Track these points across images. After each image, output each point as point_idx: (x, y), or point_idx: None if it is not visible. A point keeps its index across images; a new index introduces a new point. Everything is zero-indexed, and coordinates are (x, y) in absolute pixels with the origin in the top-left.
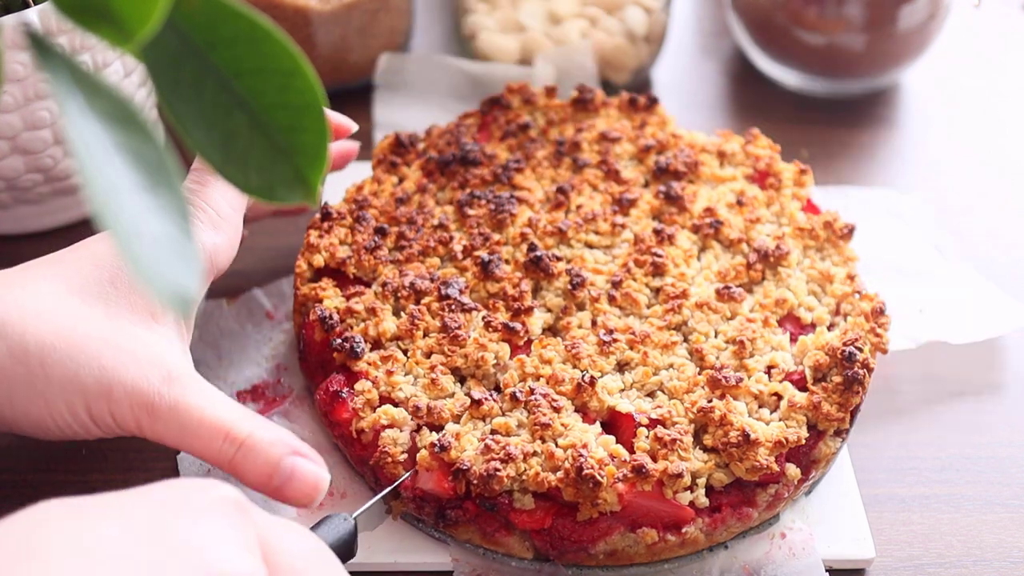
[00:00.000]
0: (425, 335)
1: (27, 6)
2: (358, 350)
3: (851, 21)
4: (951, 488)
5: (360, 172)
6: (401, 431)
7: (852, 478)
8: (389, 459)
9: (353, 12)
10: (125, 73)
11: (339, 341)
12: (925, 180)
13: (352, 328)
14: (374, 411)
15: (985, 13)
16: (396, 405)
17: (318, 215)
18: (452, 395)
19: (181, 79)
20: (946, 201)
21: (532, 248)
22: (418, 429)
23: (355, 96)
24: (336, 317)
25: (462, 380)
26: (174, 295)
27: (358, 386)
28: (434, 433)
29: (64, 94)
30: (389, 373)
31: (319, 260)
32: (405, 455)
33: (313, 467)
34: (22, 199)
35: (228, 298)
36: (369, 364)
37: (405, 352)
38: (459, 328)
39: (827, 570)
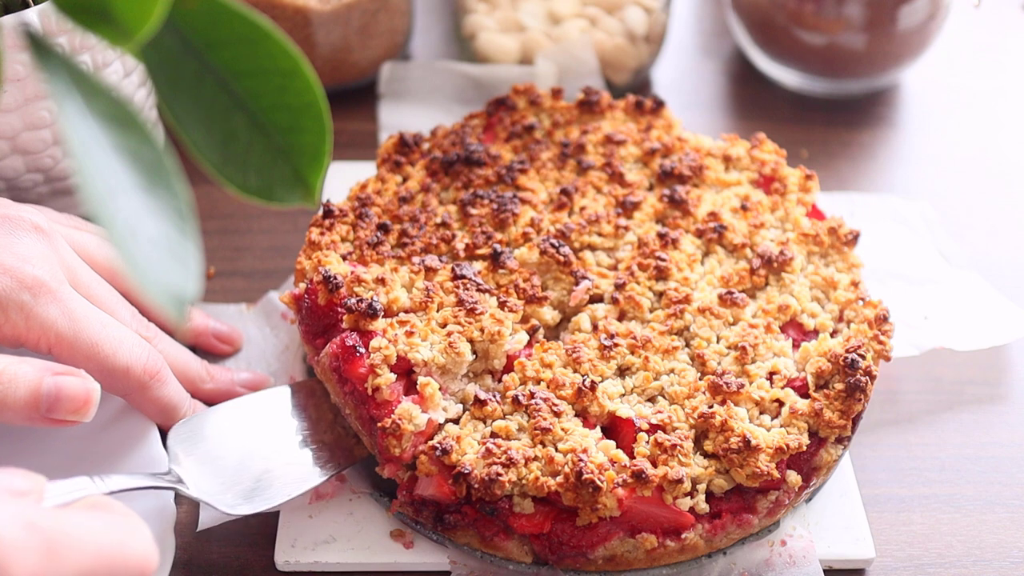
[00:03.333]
0: (439, 309)
1: (27, 6)
2: (376, 307)
3: (851, 21)
4: (951, 488)
5: (365, 171)
6: (422, 413)
7: (852, 478)
8: (398, 432)
9: (353, 12)
10: (125, 73)
11: (354, 300)
12: (925, 180)
13: (361, 296)
14: (390, 370)
15: (985, 13)
16: (412, 369)
17: (320, 213)
18: (467, 362)
19: (180, 79)
20: (946, 202)
21: (546, 240)
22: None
23: (355, 96)
24: (340, 279)
25: (476, 354)
26: (171, 296)
27: (374, 343)
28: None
29: (63, 95)
30: (409, 334)
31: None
32: (413, 438)
33: (77, 380)
34: (22, 199)
35: (248, 303)
36: (386, 326)
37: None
38: (476, 303)
39: (827, 570)
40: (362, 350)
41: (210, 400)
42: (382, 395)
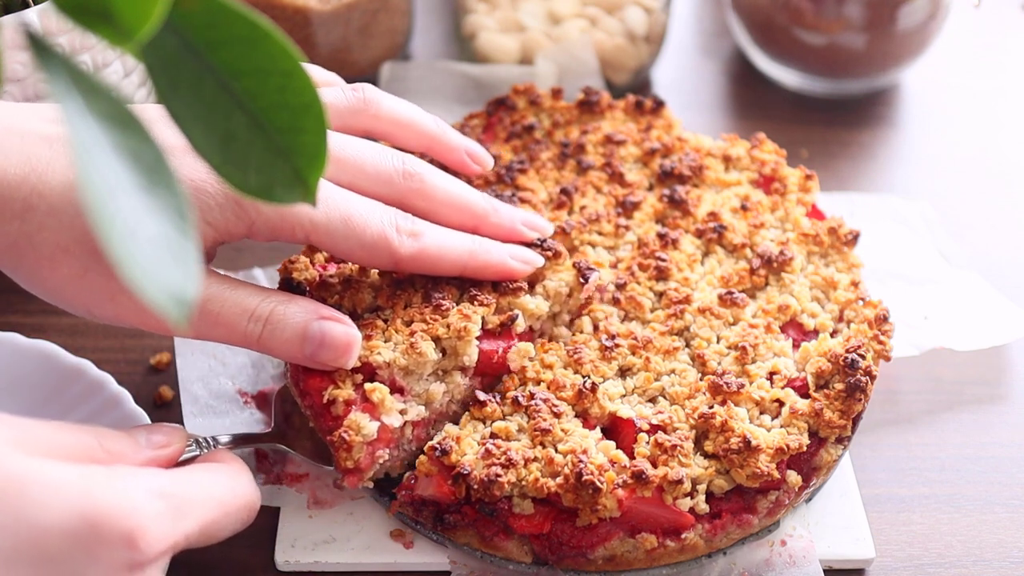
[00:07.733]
0: (406, 307)
1: (27, 6)
2: None
3: (851, 21)
4: (951, 488)
5: None
6: (372, 421)
7: (852, 478)
8: (346, 444)
9: (353, 12)
10: (125, 73)
11: None
12: (925, 180)
13: (326, 301)
14: (353, 380)
15: (985, 13)
16: (374, 374)
17: None
18: (431, 362)
19: (180, 79)
20: (946, 202)
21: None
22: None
23: None
24: (304, 288)
25: (443, 352)
26: (169, 296)
27: None
28: (433, 433)
29: (63, 95)
30: (368, 337)
31: (321, 258)
32: (365, 448)
33: (341, 327)
34: None
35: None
36: None
37: (385, 321)
38: (443, 298)
39: (827, 570)
40: None
41: (496, 237)
42: (337, 409)
